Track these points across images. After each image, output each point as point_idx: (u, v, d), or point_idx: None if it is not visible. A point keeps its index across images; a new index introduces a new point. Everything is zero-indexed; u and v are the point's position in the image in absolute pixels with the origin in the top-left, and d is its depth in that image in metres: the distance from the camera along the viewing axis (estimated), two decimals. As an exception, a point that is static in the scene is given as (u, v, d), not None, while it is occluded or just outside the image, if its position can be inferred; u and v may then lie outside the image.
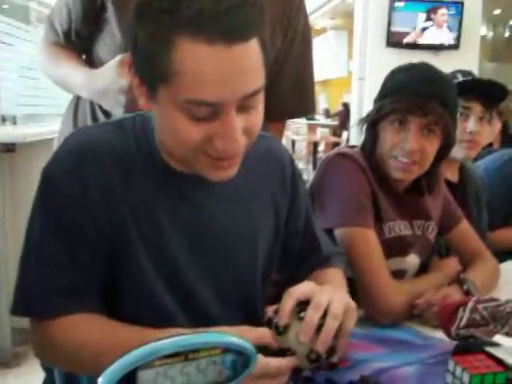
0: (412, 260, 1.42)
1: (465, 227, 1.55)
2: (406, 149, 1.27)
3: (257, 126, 0.82)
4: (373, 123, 1.35)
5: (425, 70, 1.32)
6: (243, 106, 0.78)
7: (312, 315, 0.81)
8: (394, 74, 1.35)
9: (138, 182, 0.88)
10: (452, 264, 1.46)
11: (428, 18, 4.35)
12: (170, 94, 0.76)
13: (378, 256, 1.27)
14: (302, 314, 0.81)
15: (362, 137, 1.42)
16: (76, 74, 1.34)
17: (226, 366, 0.63)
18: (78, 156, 0.87)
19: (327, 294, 0.84)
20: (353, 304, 0.88)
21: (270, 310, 0.85)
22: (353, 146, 1.48)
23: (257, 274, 1.02)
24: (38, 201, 0.89)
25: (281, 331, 0.81)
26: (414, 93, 1.25)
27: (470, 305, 1.02)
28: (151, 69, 0.76)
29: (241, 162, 0.90)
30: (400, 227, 1.37)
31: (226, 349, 0.62)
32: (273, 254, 1.06)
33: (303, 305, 0.83)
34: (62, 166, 0.87)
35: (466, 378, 0.86)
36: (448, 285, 1.30)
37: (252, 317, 0.99)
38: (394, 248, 1.35)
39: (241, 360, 0.64)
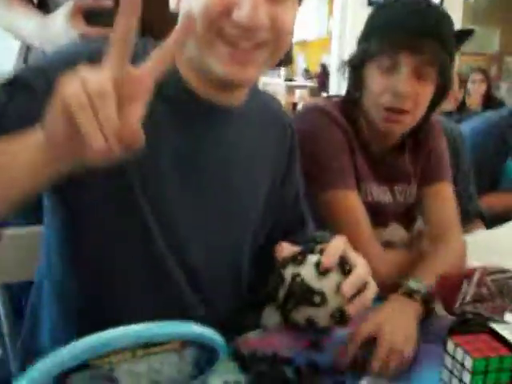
0: (395, 231, 1.30)
1: (443, 191, 1.31)
2: (398, 92, 1.10)
3: (284, 24, 0.78)
4: (357, 68, 1.18)
5: (414, 1, 1.13)
6: None
7: (363, 272, 0.76)
8: (379, 9, 1.18)
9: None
10: None
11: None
12: None
13: (364, 222, 1.15)
14: (347, 267, 0.75)
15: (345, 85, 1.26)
16: (28, 22, 1.23)
17: (187, 362, 0.50)
18: (77, 54, 0.77)
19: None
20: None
21: (284, 250, 0.79)
22: (331, 96, 1.33)
23: (248, 232, 0.95)
24: None
25: (322, 272, 0.74)
26: (404, 28, 1.09)
27: (476, 276, 0.90)
28: None
29: (243, 116, 0.88)
30: (379, 194, 1.24)
31: (187, 342, 0.49)
32: (265, 217, 0.98)
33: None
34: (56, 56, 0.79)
35: (468, 362, 0.74)
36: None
37: (238, 288, 0.95)
38: (372, 217, 1.19)
39: (205, 355, 0.51)
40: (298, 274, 0.75)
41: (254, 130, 0.94)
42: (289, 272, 0.76)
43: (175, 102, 0.82)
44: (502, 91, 5.75)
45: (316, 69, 8.36)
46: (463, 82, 3.70)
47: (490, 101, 3.81)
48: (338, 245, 0.78)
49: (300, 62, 9.32)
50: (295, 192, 1.05)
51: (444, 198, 1.29)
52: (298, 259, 0.76)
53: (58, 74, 0.58)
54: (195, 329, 0.49)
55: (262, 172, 0.96)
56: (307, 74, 8.48)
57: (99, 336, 0.43)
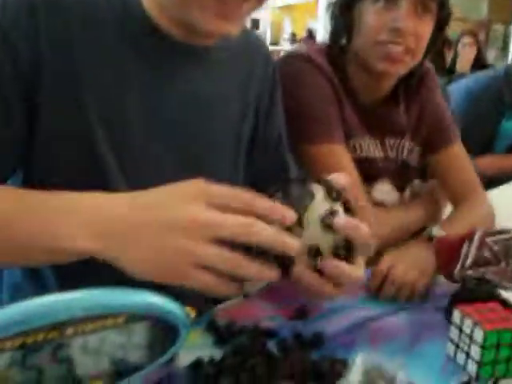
0: (384, 188, 1.19)
1: (456, 153, 1.20)
2: (398, 28, 0.99)
3: None
4: (347, 7, 1.06)
5: None
6: None
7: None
8: None
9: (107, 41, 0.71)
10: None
11: None
12: None
13: (354, 178, 1.03)
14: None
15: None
16: None
17: (135, 342, 0.38)
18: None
19: None
20: None
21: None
22: (315, 43, 1.21)
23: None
24: None
25: (326, 223, 0.61)
26: None
27: (477, 237, 0.80)
28: None
29: (221, 54, 0.82)
30: (369, 148, 1.13)
31: (136, 316, 0.37)
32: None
33: None
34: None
35: (478, 334, 0.65)
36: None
37: None
38: (361, 174, 1.07)
39: (161, 332, 0.39)
40: (313, 196, 0.62)
41: (235, 68, 0.86)
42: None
43: (142, 45, 0.74)
44: (490, 58, 5.66)
45: (302, 33, 8.21)
46: (451, 46, 3.59)
47: (480, 65, 3.71)
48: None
49: (286, 26, 9.13)
50: (277, 134, 0.96)
51: (458, 159, 1.19)
52: (331, 194, 0.63)
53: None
54: (146, 299, 0.38)
55: (243, 113, 0.88)
56: (293, 38, 8.33)
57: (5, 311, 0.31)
